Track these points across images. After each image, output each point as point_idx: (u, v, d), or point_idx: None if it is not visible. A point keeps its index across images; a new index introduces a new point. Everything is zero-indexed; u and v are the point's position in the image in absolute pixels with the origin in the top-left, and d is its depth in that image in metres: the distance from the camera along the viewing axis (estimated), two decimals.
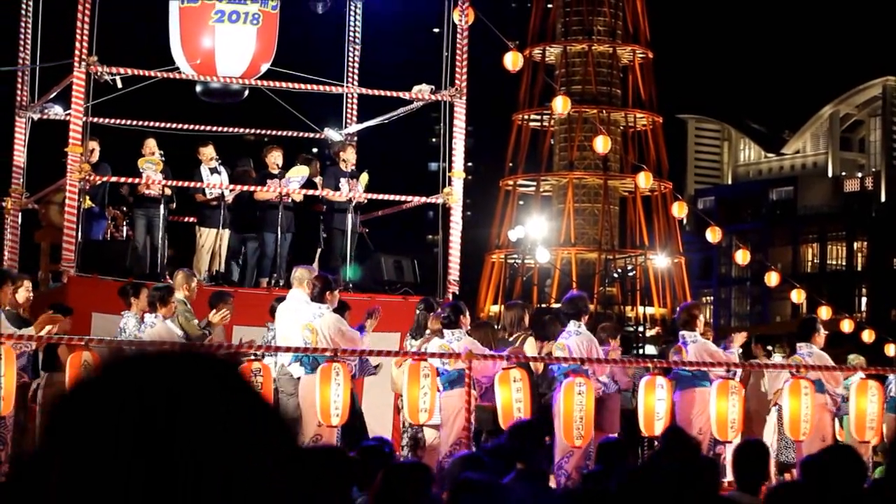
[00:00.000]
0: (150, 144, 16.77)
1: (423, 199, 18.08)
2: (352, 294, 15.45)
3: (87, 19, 15.75)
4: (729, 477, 8.54)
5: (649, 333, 47.85)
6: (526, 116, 65.71)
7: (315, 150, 21.10)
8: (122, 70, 16.16)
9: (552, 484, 12.16)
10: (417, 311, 14.53)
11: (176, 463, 1.46)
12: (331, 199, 16.82)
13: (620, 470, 5.73)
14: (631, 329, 47.72)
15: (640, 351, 38.86)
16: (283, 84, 17.37)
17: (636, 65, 65.05)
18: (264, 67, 17.60)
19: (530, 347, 13.55)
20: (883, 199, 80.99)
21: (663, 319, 58.14)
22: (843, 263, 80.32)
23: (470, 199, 24.13)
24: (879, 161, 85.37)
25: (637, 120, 65.05)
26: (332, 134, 19.12)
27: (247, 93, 17.69)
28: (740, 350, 15.56)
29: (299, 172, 16.66)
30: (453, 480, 6.13)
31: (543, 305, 53.52)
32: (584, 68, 64.64)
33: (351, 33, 19.35)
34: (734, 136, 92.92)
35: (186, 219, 17.83)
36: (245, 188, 16.65)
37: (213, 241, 16.67)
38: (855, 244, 79.87)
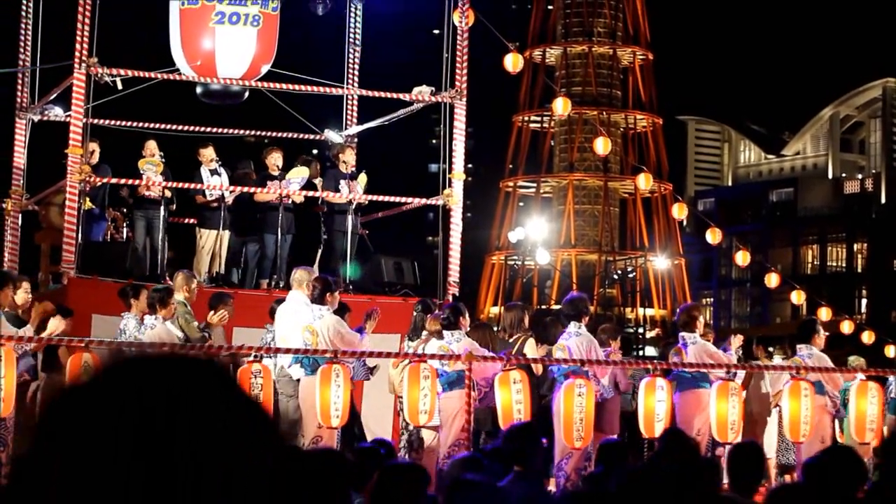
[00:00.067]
0: (151, 146, 16.77)
1: (424, 201, 18.08)
2: (352, 295, 15.44)
3: (87, 21, 15.74)
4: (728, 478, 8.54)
5: (649, 335, 47.91)
6: (526, 118, 65.75)
7: (315, 151, 21.08)
8: (122, 71, 16.15)
9: (552, 485, 12.17)
10: (414, 313, 14.51)
11: (176, 464, 1.47)
12: (330, 201, 16.81)
13: (620, 471, 5.73)
14: (631, 330, 47.76)
15: (641, 352, 38.87)
16: (284, 85, 17.36)
17: (636, 66, 65.09)
18: (264, 69, 17.59)
19: (530, 349, 13.55)
20: (883, 200, 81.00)
21: (663, 321, 58.22)
22: (843, 265, 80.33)
23: (470, 201, 24.10)
24: (879, 162, 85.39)
25: (637, 121, 65.11)
26: (332, 135, 19.10)
27: (247, 94, 17.68)
28: (740, 352, 15.57)
29: (299, 174, 16.65)
30: (451, 481, 6.14)
31: (543, 307, 53.56)
32: (584, 70, 64.70)
33: (351, 35, 19.33)
34: (734, 138, 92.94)
35: (186, 220, 17.81)
36: (245, 190, 16.63)
37: (213, 242, 16.65)
38: (855, 246, 79.87)
